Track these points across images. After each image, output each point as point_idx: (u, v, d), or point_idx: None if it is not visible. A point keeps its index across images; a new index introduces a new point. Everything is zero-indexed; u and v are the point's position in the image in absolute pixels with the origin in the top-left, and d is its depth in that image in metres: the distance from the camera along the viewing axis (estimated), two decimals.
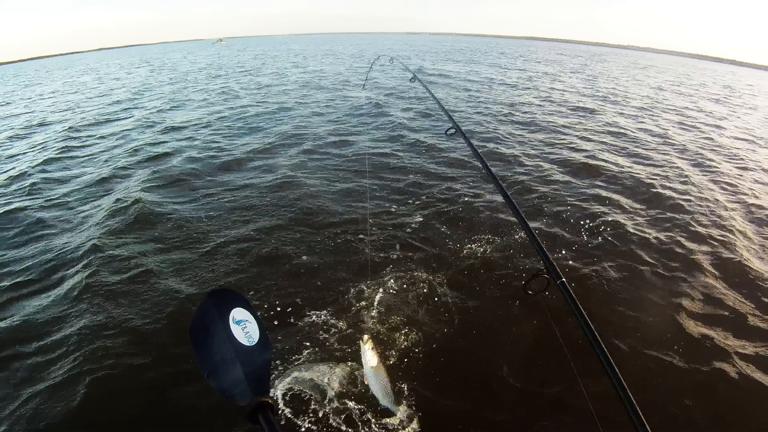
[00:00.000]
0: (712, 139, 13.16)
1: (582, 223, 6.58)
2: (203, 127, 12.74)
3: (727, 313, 4.77)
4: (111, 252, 5.59)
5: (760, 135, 14.71)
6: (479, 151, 2.40)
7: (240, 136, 11.49)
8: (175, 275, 5.13)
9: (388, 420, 3.21)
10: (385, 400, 3.05)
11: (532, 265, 5.24)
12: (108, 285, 4.90)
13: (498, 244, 5.83)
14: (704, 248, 6.11)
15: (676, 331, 4.40)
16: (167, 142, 11.14)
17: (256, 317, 1.30)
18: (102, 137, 12.18)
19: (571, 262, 5.48)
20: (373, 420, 3.20)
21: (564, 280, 1.63)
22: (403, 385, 3.50)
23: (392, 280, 4.91)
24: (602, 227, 6.46)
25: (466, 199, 7.25)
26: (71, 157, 10.36)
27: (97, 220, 6.57)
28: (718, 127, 15.35)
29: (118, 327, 4.26)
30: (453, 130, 2.47)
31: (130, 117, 14.87)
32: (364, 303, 4.52)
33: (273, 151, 10.02)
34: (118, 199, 7.19)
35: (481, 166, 2.24)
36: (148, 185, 7.86)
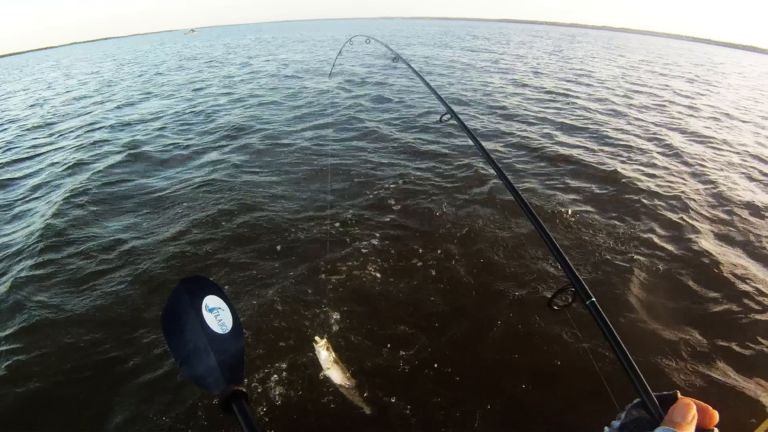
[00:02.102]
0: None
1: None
2: (143, 124, 12.12)
3: None
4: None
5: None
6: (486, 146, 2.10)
7: (185, 132, 10.98)
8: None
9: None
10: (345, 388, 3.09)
11: (545, 270, 4.85)
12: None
13: (509, 248, 5.34)
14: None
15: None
16: (107, 141, 10.47)
17: (229, 304, 1.25)
18: (44, 138, 11.51)
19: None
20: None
21: (594, 299, 1.41)
22: (398, 400, 3.28)
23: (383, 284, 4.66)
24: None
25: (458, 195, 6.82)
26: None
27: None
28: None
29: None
30: (448, 116, 2.16)
31: (72, 118, 14.01)
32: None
33: (218, 147, 9.57)
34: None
35: (489, 163, 1.95)
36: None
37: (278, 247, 5.37)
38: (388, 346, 3.80)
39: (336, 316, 4.14)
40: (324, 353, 2.94)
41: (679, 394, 0.87)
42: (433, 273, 4.85)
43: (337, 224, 5.86)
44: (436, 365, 3.61)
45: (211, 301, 1.24)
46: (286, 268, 4.96)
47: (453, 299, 4.44)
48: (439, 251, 5.21)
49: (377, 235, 5.61)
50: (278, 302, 4.35)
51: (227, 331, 1.19)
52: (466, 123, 2.04)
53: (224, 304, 1.25)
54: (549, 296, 1.49)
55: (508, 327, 4.06)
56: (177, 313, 1.22)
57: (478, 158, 7.95)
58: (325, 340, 3.01)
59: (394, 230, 5.77)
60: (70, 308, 4.42)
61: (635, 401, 0.98)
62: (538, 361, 3.71)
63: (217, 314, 1.22)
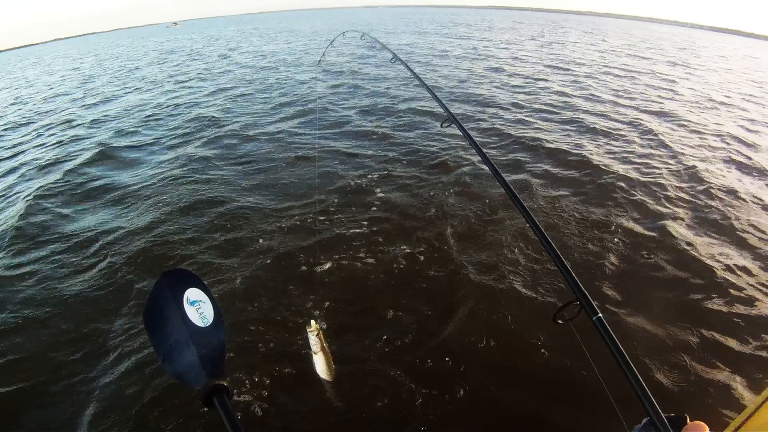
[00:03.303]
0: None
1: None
2: (117, 121, 11.94)
3: None
4: None
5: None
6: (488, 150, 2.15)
7: (161, 127, 10.89)
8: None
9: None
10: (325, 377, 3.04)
11: (548, 279, 4.60)
12: None
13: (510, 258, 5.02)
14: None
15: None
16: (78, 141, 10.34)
17: (210, 297, 1.25)
18: (20, 138, 11.34)
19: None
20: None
21: (601, 315, 1.41)
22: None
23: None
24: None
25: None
26: None
27: None
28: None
29: None
30: (448, 123, 2.21)
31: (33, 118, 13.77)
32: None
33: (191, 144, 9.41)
34: None
35: (493, 175, 1.99)
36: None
37: (260, 240, 5.36)
38: (374, 341, 3.79)
39: (324, 304, 4.16)
40: (313, 338, 2.92)
41: (688, 419, 0.90)
42: (417, 268, 4.81)
43: (322, 217, 5.85)
44: (421, 363, 3.59)
45: (192, 293, 1.23)
46: (268, 258, 4.96)
47: (444, 299, 4.36)
48: (427, 246, 5.19)
49: (364, 224, 5.66)
50: (261, 294, 4.35)
51: (208, 324, 1.19)
52: (466, 128, 2.09)
53: (205, 296, 1.24)
54: (552, 301, 1.51)
55: (505, 334, 3.90)
56: (159, 307, 1.21)
57: (469, 152, 8.01)
58: (316, 325, 2.97)
59: (379, 222, 5.77)
60: (40, 305, 4.43)
61: (644, 421, 0.99)
62: (539, 372, 3.54)
63: (198, 307, 1.21)
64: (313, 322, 2.98)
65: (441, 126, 2.36)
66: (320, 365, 2.96)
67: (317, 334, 2.94)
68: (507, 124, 10.18)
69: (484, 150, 2.09)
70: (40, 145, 10.44)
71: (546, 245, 1.69)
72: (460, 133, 2.13)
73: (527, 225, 1.57)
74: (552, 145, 8.68)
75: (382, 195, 6.49)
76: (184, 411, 3.18)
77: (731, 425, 2.00)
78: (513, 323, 4.00)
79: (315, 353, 2.95)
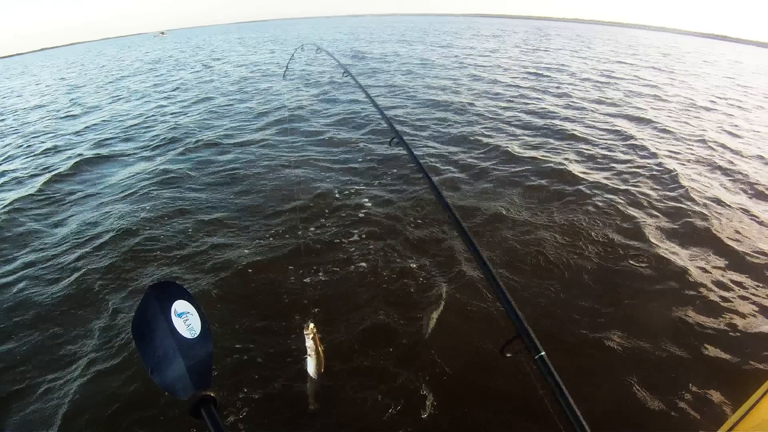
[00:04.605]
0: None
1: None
2: (95, 132, 11.75)
3: None
4: None
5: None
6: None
7: (138, 139, 10.69)
8: None
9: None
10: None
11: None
12: None
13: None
14: None
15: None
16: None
17: (197, 309, 1.26)
18: None
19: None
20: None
21: (544, 354, 1.35)
22: None
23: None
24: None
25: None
26: None
27: None
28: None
29: None
30: (397, 141, 2.00)
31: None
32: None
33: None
34: None
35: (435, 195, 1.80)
36: None
37: (246, 251, 5.23)
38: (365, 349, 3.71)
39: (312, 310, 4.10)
40: (308, 342, 2.94)
41: None
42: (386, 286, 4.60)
43: (304, 223, 5.80)
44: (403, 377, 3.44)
45: (180, 305, 1.24)
46: (251, 266, 4.89)
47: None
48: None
49: (354, 231, 5.57)
50: (246, 303, 4.31)
51: (196, 336, 1.20)
52: (411, 147, 1.89)
53: (193, 308, 1.25)
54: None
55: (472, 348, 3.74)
56: (147, 320, 1.22)
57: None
58: (312, 328, 2.96)
59: (364, 224, 5.75)
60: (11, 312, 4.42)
61: None
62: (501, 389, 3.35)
63: (186, 319, 1.22)
64: (311, 324, 2.98)
65: (390, 144, 2.16)
66: (311, 367, 2.97)
67: (312, 337, 2.96)
68: (484, 132, 10.00)
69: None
70: (23, 155, 10.28)
71: (491, 280, 1.62)
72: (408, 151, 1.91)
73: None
74: (526, 154, 8.50)
75: (366, 202, 6.37)
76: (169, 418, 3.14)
77: (726, 424, 1.85)
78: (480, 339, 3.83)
79: (309, 355, 2.98)
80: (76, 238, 5.77)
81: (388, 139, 2.19)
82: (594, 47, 37.75)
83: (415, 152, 1.85)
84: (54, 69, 37.77)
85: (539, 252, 5.15)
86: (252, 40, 49.91)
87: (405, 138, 1.94)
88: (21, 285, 4.85)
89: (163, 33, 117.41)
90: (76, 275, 4.90)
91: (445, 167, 7.85)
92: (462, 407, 3.25)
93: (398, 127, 2.23)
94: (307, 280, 4.64)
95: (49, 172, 8.57)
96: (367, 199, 6.50)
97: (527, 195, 6.76)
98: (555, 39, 45.96)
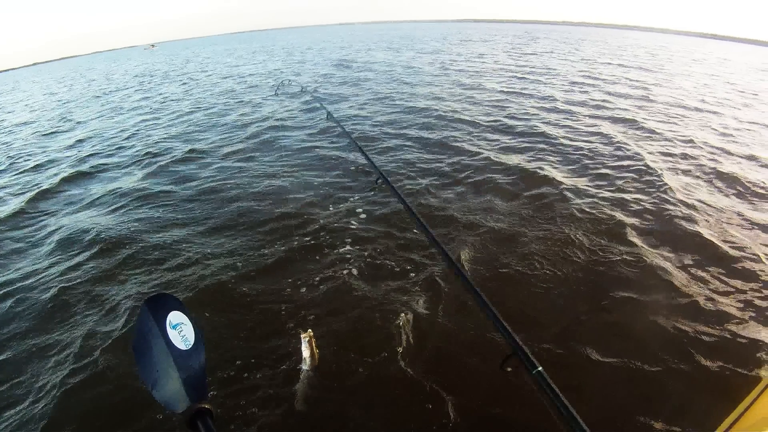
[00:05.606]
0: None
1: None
2: (78, 149, 11.63)
3: None
4: None
5: None
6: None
7: (116, 155, 10.60)
8: None
9: None
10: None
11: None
12: None
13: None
14: None
15: None
16: None
17: (190, 318, 1.27)
18: None
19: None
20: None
21: (541, 369, 1.35)
22: None
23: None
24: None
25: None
26: None
27: None
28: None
29: None
30: (381, 180, 1.99)
31: None
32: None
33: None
34: None
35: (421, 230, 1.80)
36: None
37: (239, 264, 5.15)
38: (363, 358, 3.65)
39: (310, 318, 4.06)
40: (304, 350, 3.05)
41: None
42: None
43: (299, 230, 5.78)
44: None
45: (174, 317, 1.24)
46: (247, 275, 4.87)
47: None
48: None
49: (348, 240, 5.54)
50: (246, 313, 4.25)
51: (190, 346, 1.20)
52: (396, 187, 1.89)
53: (186, 318, 1.25)
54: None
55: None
56: (145, 335, 1.21)
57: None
58: (308, 335, 3.10)
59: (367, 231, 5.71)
60: None
61: None
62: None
63: (180, 330, 1.22)
64: (309, 330, 3.15)
65: (375, 183, 2.14)
66: (307, 370, 3.14)
67: (308, 341, 3.09)
68: (471, 139, 9.94)
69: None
70: (10, 171, 10.24)
71: (480, 300, 1.66)
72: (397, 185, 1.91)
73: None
74: (509, 160, 8.36)
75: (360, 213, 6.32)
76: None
77: (724, 424, 1.87)
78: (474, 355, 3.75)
79: (305, 358, 3.11)
80: (60, 255, 5.69)
81: (374, 178, 2.17)
82: (583, 49, 38.02)
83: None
84: (44, 84, 37.72)
85: (525, 258, 5.09)
86: (239, 52, 49.78)
87: (387, 177, 1.92)
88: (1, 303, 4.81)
89: (153, 46, 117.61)
90: (55, 291, 4.82)
91: (424, 175, 7.79)
92: (459, 415, 3.19)
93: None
94: (302, 290, 4.61)
95: (33, 190, 8.49)
96: (360, 210, 6.45)
97: (509, 201, 6.66)
98: (543, 41, 46.24)
